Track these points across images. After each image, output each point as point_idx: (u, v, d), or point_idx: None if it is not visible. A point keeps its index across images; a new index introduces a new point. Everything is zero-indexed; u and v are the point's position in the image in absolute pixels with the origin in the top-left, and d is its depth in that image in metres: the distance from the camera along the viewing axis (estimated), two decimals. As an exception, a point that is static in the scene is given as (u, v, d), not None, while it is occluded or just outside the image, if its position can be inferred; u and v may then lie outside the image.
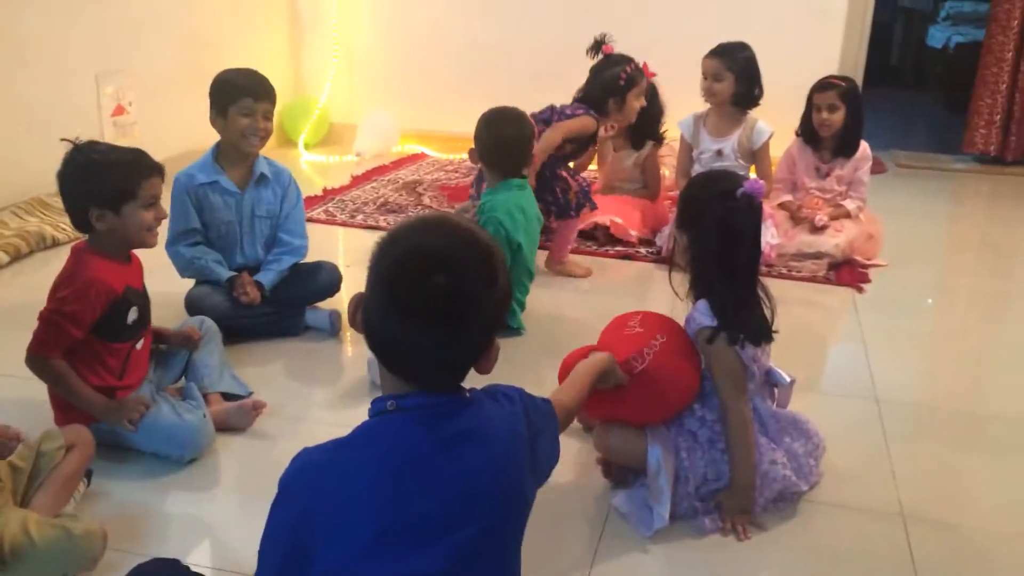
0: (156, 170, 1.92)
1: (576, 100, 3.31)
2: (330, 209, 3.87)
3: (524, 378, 2.44)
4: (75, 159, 1.87)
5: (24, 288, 2.80)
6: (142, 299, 1.99)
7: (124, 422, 1.87)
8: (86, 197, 1.86)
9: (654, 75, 3.51)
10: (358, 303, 1.17)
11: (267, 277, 2.53)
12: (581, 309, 2.93)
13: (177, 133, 4.09)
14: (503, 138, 2.61)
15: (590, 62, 3.39)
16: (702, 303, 1.78)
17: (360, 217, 3.77)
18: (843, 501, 1.85)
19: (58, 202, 2.09)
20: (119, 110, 3.89)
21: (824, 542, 1.74)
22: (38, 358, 1.84)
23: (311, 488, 1.12)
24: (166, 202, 1.99)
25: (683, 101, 3.67)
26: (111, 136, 3.80)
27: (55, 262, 1.97)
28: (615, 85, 3.27)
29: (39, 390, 1.94)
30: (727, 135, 3.50)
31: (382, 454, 1.12)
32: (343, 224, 3.69)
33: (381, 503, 1.09)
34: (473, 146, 2.64)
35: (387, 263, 1.14)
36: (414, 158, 4.92)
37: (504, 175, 2.62)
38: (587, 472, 1.91)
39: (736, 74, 3.36)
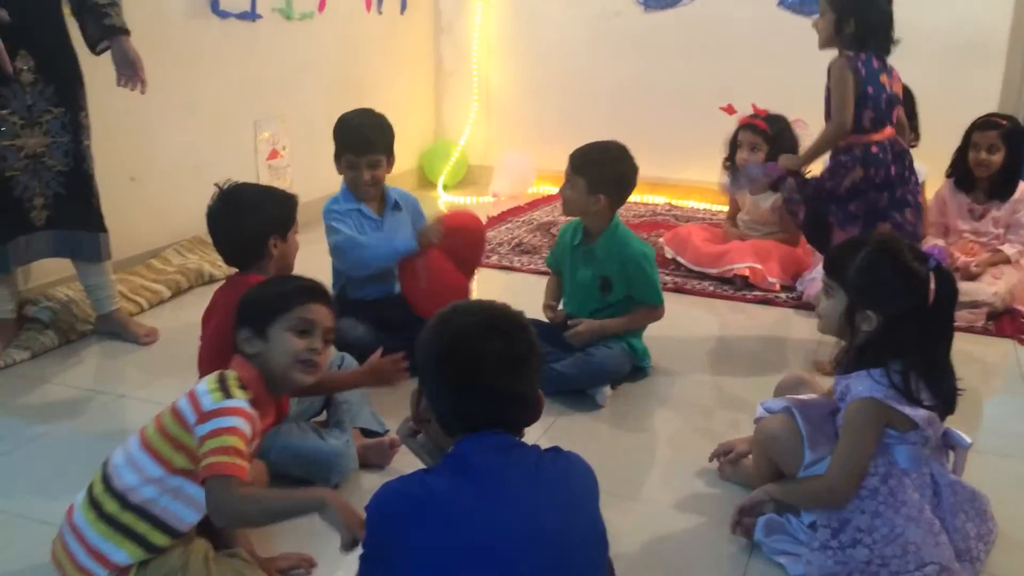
0: (297, 200, 2.10)
1: None
2: (467, 249, 3.94)
3: (653, 414, 2.36)
4: (242, 198, 2.00)
5: (182, 321, 2.98)
6: None
7: (387, 378, 1.93)
8: (269, 226, 2.00)
9: (765, 111, 3.51)
10: (418, 394, 1.33)
11: None
12: (719, 351, 2.87)
13: (326, 175, 4.25)
14: (630, 173, 2.51)
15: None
16: (865, 373, 1.66)
17: (495, 258, 3.82)
18: (1011, 573, 1.72)
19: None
20: (273, 154, 4.11)
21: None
22: None
23: (390, 517, 1.21)
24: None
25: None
26: (265, 178, 4.02)
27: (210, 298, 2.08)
28: None
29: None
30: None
31: (465, 479, 1.22)
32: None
33: (457, 527, 1.18)
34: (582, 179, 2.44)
35: (444, 341, 1.30)
36: (549, 199, 4.97)
37: (614, 210, 2.53)
38: (721, 526, 1.83)
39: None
